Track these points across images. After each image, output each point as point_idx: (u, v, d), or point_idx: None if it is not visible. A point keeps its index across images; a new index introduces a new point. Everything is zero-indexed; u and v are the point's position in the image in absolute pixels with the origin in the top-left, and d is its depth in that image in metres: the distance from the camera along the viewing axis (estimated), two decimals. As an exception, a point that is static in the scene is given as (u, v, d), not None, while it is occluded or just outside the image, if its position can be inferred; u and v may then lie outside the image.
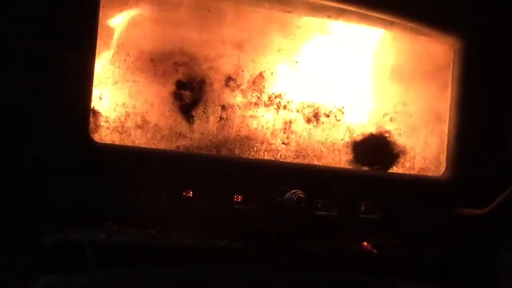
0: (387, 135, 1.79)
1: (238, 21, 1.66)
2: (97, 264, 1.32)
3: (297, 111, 1.71)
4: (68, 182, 1.42)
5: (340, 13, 1.69)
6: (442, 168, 1.80)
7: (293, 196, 1.52)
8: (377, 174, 1.76)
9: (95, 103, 1.52)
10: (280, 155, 1.69)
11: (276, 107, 1.69)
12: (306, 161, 1.70)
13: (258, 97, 1.67)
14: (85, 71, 1.44)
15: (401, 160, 1.81)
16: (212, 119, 1.63)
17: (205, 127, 1.63)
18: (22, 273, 1.33)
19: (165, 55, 1.60)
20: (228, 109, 1.65)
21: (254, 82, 1.67)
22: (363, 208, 1.66)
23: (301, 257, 1.53)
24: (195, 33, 1.62)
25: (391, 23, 1.74)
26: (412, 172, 1.81)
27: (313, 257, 1.54)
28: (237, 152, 1.65)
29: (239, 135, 1.65)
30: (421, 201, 1.71)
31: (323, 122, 1.73)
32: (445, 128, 1.80)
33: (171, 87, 1.61)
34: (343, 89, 1.76)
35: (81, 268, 1.31)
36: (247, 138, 1.66)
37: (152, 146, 1.57)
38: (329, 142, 1.73)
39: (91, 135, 1.48)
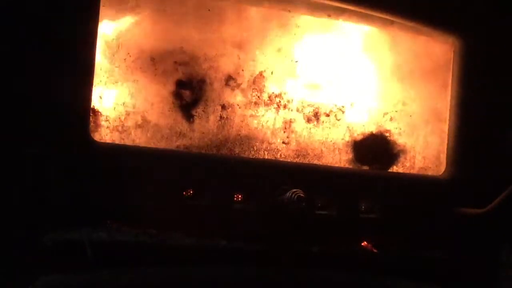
0: (387, 134, 1.79)
1: (238, 20, 1.65)
2: (97, 264, 1.32)
3: (297, 110, 1.71)
4: (68, 181, 1.42)
5: (340, 12, 1.69)
6: (442, 168, 1.80)
7: (293, 196, 1.52)
8: (377, 173, 1.76)
9: (95, 103, 1.52)
10: (280, 155, 1.69)
11: (276, 106, 1.69)
12: (306, 161, 1.70)
13: (258, 97, 1.67)
14: (86, 70, 1.44)
15: (401, 159, 1.81)
16: (212, 118, 1.63)
17: (205, 126, 1.63)
18: (22, 273, 1.33)
19: (165, 54, 1.60)
20: (228, 109, 1.64)
21: (254, 82, 1.67)
22: (363, 207, 1.67)
23: (301, 257, 1.53)
24: (195, 32, 1.62)
25: (391, 23, 1.75)
26: (412, 171, 1.81)
27: (313, 257, 1.54)
28: (237, 152, 1.65)
29: (239, 134, 1.65)
30: (421, 200, 1.71)
31: (323, 122, 1.73)
32: (445, 127, 1.81)
33: (171, 87, 1.60)
34: (343, 89, 1.76)
35: (81, 268, 1.31)
36: (247, 137, 1.66)
37: (152, 146, 1.57)
38: (329, 141, 1.73)
39: (92, 135, 1.48)
